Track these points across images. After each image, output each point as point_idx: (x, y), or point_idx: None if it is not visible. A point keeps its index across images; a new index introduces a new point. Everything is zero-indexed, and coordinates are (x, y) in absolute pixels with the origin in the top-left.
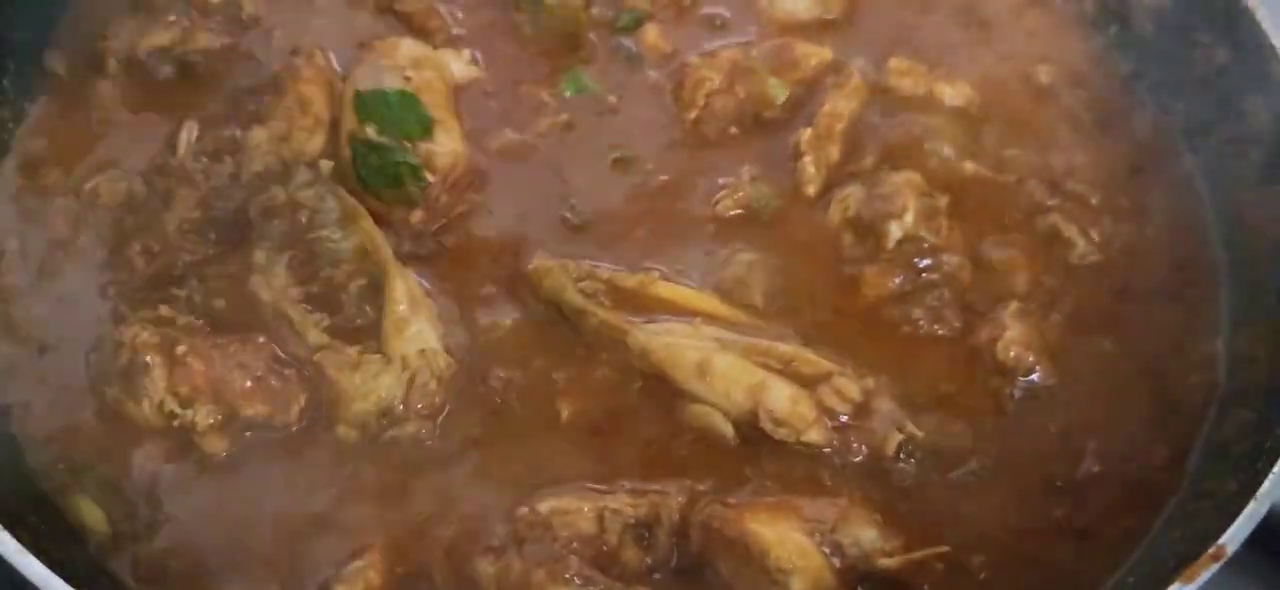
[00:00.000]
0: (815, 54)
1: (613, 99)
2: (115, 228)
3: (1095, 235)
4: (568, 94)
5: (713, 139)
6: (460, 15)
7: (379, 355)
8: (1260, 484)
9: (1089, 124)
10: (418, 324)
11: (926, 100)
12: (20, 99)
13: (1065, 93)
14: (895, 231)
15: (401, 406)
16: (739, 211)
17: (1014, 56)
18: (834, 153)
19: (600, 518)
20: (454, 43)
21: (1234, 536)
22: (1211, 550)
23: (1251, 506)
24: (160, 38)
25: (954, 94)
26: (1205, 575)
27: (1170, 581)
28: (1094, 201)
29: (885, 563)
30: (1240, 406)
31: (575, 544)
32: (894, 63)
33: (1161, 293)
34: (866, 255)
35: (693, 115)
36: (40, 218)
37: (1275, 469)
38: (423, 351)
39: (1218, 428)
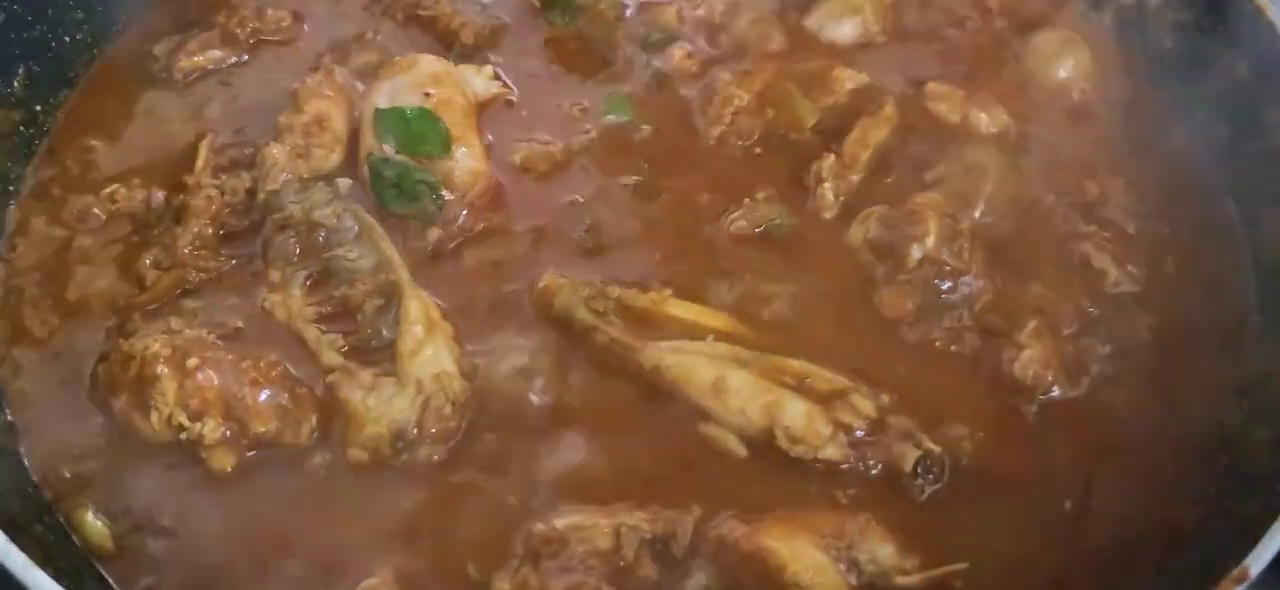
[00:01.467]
0: (851, 79)
1: (647, 129)
2: (129, 238)
3: (1131, 266)
4: (604, 116)
5: (736, 157)
6: (485, 21)
7: (393, 378)
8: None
9: (1119, 146)
10: (433, 347)
11: (961, 125)
12: (43, 103)
13: (1098, 115)
14: (916, 253)
15: (415, 430)
16: (755, 231)
17: (1048, 82)
18: (856, 179)
19: (617, 533)
20: (479, 52)
21: (1258, 556)
22: (1235, 572)
23: (1275, 527)
24: (190, 52)
25: (989, 120)
26: None
27: None
28: (1130, 230)
29: (903, 580)
30: (1261, 425)
31: (592, 560)
32: (932, 86)
33: (1190, 315)
34: (885, 275)
35: (717, 131)
36: (55, 224)
37: None
38: (437, 375)
39: (1241, 446)
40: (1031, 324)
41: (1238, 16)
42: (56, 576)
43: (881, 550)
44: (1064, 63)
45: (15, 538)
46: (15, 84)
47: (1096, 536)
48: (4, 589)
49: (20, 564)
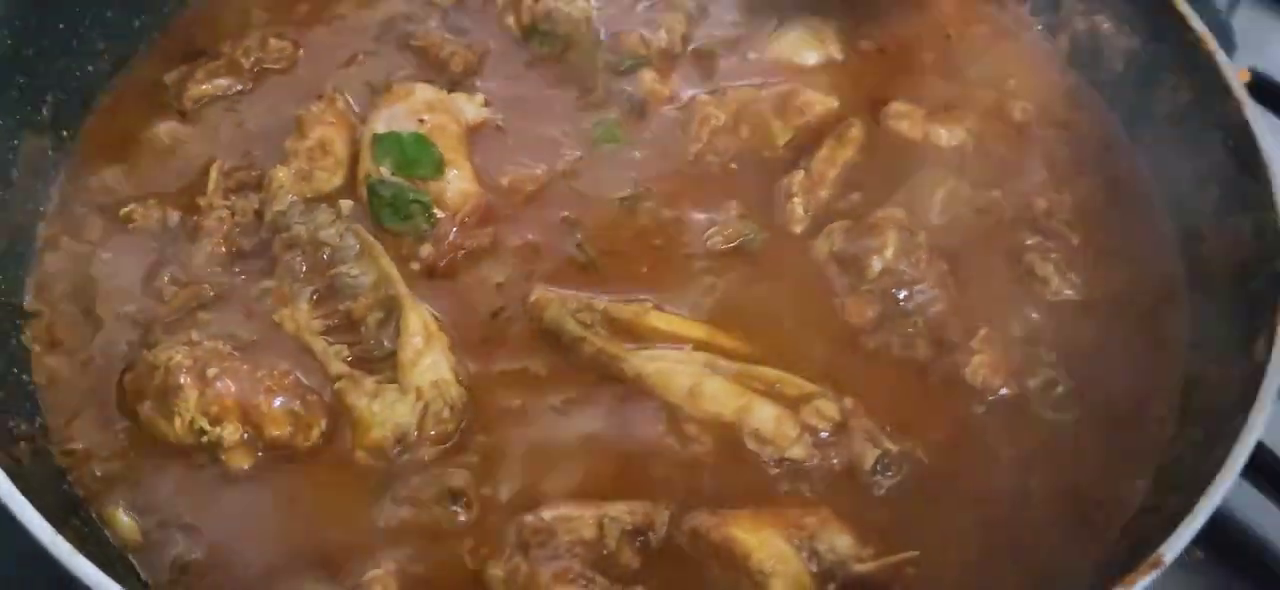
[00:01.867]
0: (821, 102)
1: (637, 155)
2: (148, 256)
3: (1072, 273)
4: (596, 145)
5: (714, 175)
6: (473, 49)
7: (395, 385)
8: (1199, 498)
9: (1067, 163)
10: (431, 356)
11: (923, 142)
12: (68, 129)
13: (1048, 133)
14: (876, 264)
15: (416, 433)
16: (730, 246)
17: (1001, 99)
18: (824, 195)
19: (600, 524)
20: (467, 79)
21: (1171, 546)
22: (1151, 558)
23: (1189, 519)
24: (198, 81)
25: (949, 136)
26: (1145, 582)
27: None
28: (1074, 241)
29: (859, 567)
30: (1192, 425)
31: (577, 548)
32: (895, 106)
33: (1126, 321)
34: (848, 286)
35: (696, 149)
36: (79, 241)
37: (1215, 483)
38: (436, 382)
39: (1172, 446)
40: (982, 331)
41: (1179, 44)
42: (99, 563)
43: (840, 540)
44: (1014, 84)
45: (59, 529)
46: (44, 111)
47: (1033, 528)
48: (48, 576)
49: (66, 552)
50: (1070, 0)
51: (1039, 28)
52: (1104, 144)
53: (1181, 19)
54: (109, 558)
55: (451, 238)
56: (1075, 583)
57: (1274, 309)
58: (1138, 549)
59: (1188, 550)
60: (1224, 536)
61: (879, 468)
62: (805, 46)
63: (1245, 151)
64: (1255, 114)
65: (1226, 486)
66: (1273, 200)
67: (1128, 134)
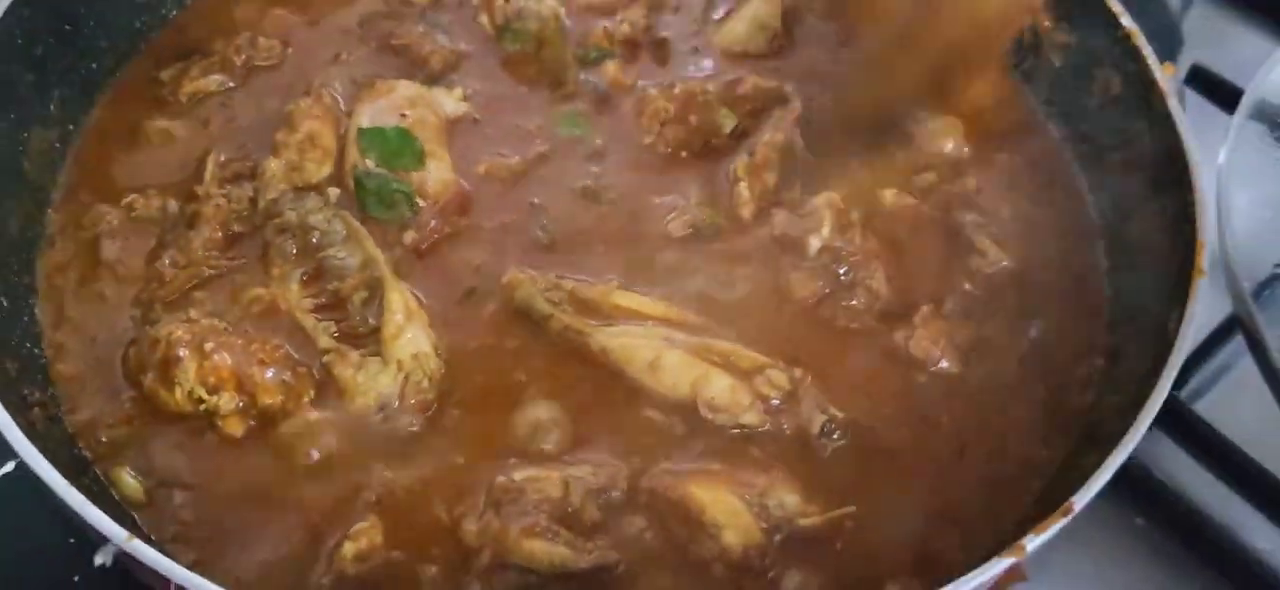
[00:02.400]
0: (764, 86)
1: (599, 141)
2: (149, 241)
3: (998, 247)
4: (562, 133)
5: (667, 163)
6: (453, 46)
7: (378, 358)
8: (1109, 454)
9: (1000, 146)
10: (412, 331)
11: (853, 117)
12: (73, 123)
13: (984, 118)
14: (814, 243)
15: (397, 402)
16: (686, 229)
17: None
18: (770, 179)
19: (566, 484)
20: (447, 75)
21: (1082, 495)
22: (1063, 506)
23: (1098, 473)
24: (192, 78)
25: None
26: (1056, 528)
27: (1022, 535)
28: (1005, 214)
29: (804, 522)
30: (1113, 393)
31: (544, 505)
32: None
33: (1056, 297)
34: (791, 264)
35: (649, 140)
36: (84, 228)
37: (1125, 439)
38: (416, 355)
39: (1094, 412)
40: (924, 308)
41: (1106, 38)
42: (111, 513)
43: (788, 498)
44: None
45: (73, 482)
46: (51, 106)
47: (966, 486)
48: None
49: (79, 502)
50: None
51: None
52: (1038, 131)
53: (1114, 17)
54: (117, 513)
55: (432, 224)
56: (1001, 534)
57: (1186, 291)
58: (1054, 502)
59: (1130, 518)
60: (1168, 508)
61: (825, 432)
62: (751, 31)
63: (1168, 141)
64: (1177, 108)
65: (1131, 446)
66: (1191, 187)
67: (1062, 121)
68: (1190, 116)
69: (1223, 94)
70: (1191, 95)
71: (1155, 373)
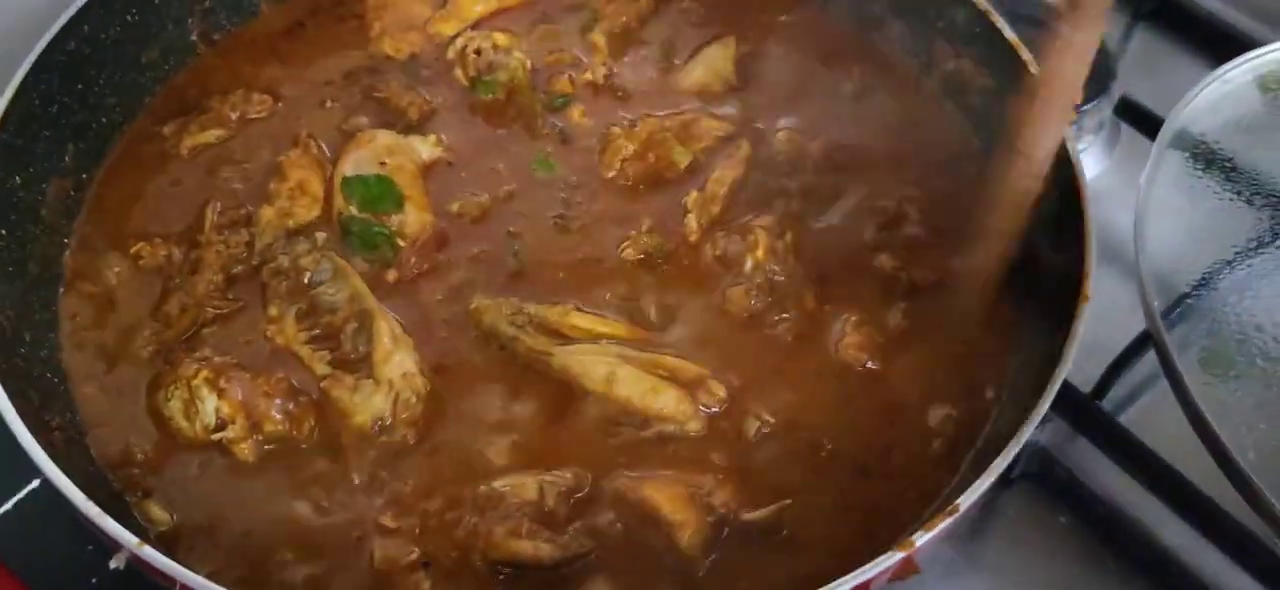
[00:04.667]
0: (717, 127)
1: (573, 179)
2: (156, 285)
3: (918, 268)
4: (534, 174)
5: (625, 196)
6: (429, 97)
7: (371, 380)
8: (993, 459)
9: (926, 171)
10: (399, 354)
11: (798, 156)
12: (86, 173)
13: (911, 146)
14: (749, 263)
15: (390, 419)
16: (640, 255)
17: (867, 121)
18: (716, 209)
19: (541, 487)
20: (424, 124)
21: (966, 499)
22: (948, 508)
23: (986, 474)
24: (191, 132)
25: (817, 150)
26: (940, 527)
27: (912, 532)
28: (922, 235)
29: (747, 516)
30: (1012, 401)
31: (524, 508)
32: (781, 135)
33: (970, 315)
34: (729, 282)
35: (610, 175)
36: (97, 273)
37: (1007, 448)
38: (404, 375)
39: (996, 420)
40: (852, 317)
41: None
42: (140, 535)
43: (731, 495)
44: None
45: (91, 495)
46: (66, 158)
47: (885, 482)
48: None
49: (96, 513)
50: (939, 45)
51: (913, 65)
52: (960, 157)
53: (1023, 64)
54: (136, 529)
55: (412, 261)
56: (903, 527)
57: (1073, 314)
58: (947, 500)
59: (1055, 517)
60: (1089, 507)
61: (761, 434)
62: (707, 77)
63: (1066, 175)
64: (1073, 149)
65: (1012, 453)
66: (1083, 217)
67: (982, 150)
68: (1122, 146)
69: (1149, 124)
70: (1125, 127)
71: (1040, 389)
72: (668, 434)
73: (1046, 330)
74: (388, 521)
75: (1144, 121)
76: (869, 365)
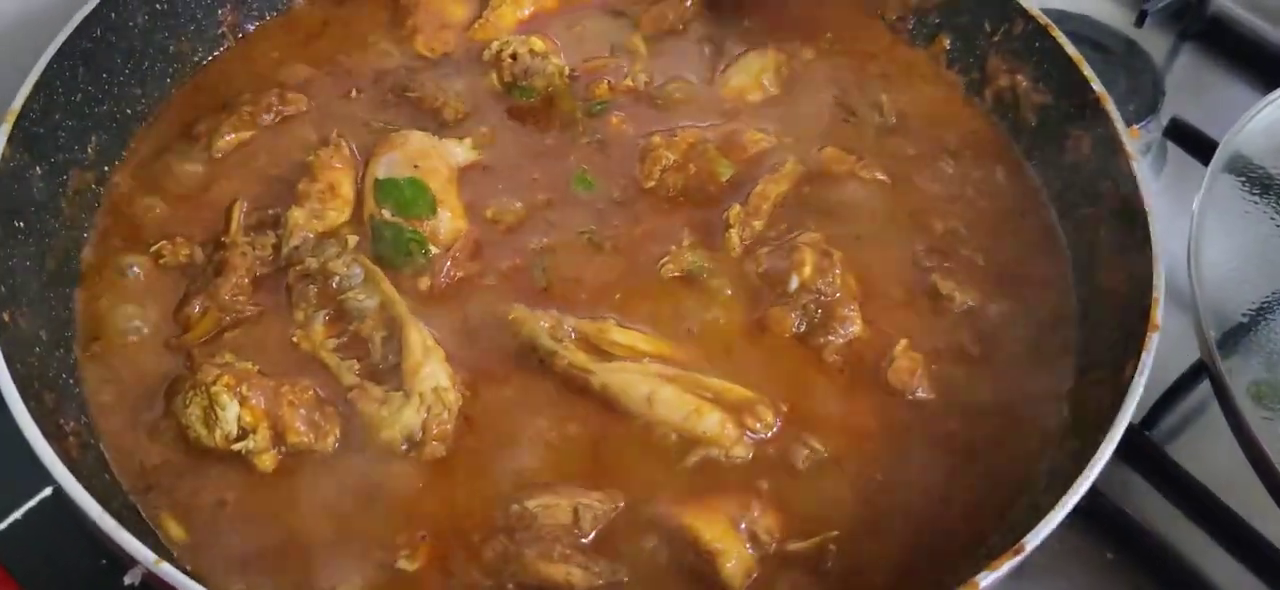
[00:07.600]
0: (761, 140)
1: (615, 194)
2: (178, 285)
3: (972, 291)
4: (574, 191)
5: (665, 208)
6: (462, 99)
7: (401, 392)
8: (1062, 497)
9: (979, 199)
10: (430, 366)
11: (849, 177)
12: (108, 166)
13: (967, 176)
14: (794, 282)
15: (421, 433)
16: (681, 270)
17: (922, 141)
18: (759, 225)
19: (576, 511)
20: (458, 126)
21: (1032, 539)
22: (1013, 548)
23: (1052, 515)
24: (223, 132)
25: (867, 174)
26: (1006, 566)
27: (978, 571)
28: (980, 262)
29: (792, 546)
30: (1075, 438)
31: (557, 531)
32: (828, 152)
33: (1026, 340)
34: (772, 301)
35: (650, 185)
36: (116, 270)
37: (1076, 484)
38: (436, 389)
39: (1057, 452)
40: (903, 342)
41: (1077, 100)
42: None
43: (776, 524)
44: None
45: (107, 508)
46: (89, 150)
47: (936, 515)
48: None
49: (112, 527)
50: (994, 60)
51: (964, 84)
52: (1017, 185)
53: (1085, 80)
54: (159, 546)
55: (445, 268)
56: (963, 567)
57: (1141, 342)
58: (1009, 540)
59: (1103, 553)
60: (1137, 543)
61: (808, 462)
62: (750, 87)
63: (1131, 201)
64: (1141, 169)
65: (1082, 491)
66: (1149, 244)
67: (1039, 177)
68: (1170, 168)
69: (1200, 146)
70: (1172, 147)
71: (1109, 422)
72: (711, 458)
73: (1108, 362)
74: (414, 539)
75: (1195, 144)
76: (920, 394)
